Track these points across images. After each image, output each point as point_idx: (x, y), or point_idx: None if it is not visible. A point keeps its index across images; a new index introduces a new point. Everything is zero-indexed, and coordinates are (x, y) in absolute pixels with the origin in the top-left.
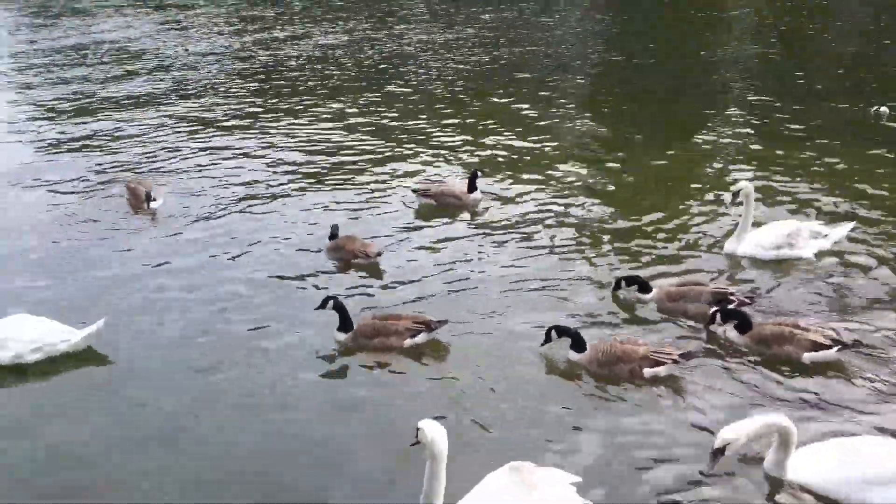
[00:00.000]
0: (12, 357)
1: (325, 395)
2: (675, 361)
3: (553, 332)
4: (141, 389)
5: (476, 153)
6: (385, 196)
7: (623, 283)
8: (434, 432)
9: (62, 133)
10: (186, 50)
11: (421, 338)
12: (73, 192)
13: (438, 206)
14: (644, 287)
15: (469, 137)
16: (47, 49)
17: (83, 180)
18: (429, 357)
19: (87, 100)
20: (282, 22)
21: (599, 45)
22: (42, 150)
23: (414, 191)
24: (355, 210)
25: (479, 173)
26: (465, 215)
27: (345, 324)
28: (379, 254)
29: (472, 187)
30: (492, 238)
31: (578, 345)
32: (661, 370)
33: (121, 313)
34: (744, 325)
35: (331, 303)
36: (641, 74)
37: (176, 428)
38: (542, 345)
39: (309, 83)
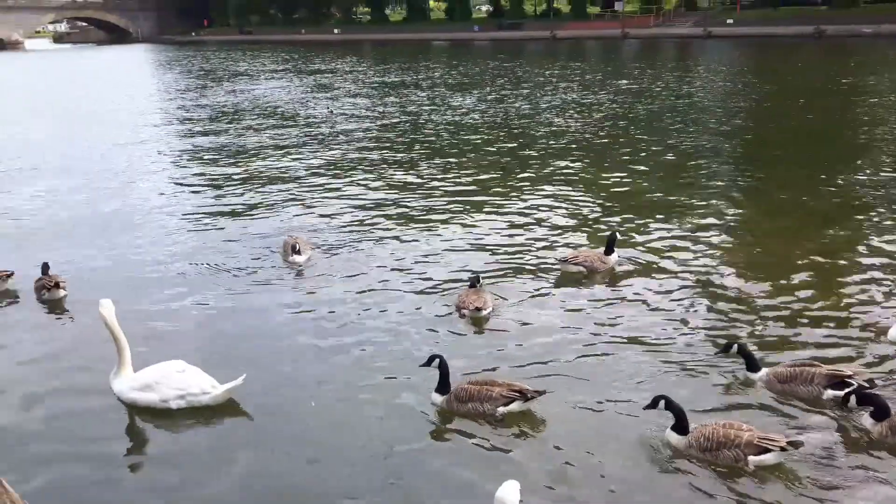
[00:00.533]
0: (159, 400)
1: (410, 462)
2: (782, 449)
3: (661, 402)
4: (277, 439)
5: (608, 216)
6: (519, 252)
7: (734, 349)
8: None
9: (217, 184)
10: (331, 111)
11: (515, 406)
12: (224, 241)
13: (579, 271)
14: (752, 365)
15: (599, 200)
16: (212, 105)
17: (234, 231)
18: (522, 427)
19: (241, 152)
20: (421, 87)
21: (749, 110)
22: (198, 197)
23: (561, 260)
24: (492, 270)
25: (618, 235)
26: (599, 278)
27: (443, 385)
28: (478, 309)
29: (609, 250)
30: (623, 304)
31: (681, 427)
32: (769, 458)
33: (262, 361)
34: (881, 411)
35: (436, 361)
36: (799, 140)
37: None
38: (645, 408)
39: (445, 143)
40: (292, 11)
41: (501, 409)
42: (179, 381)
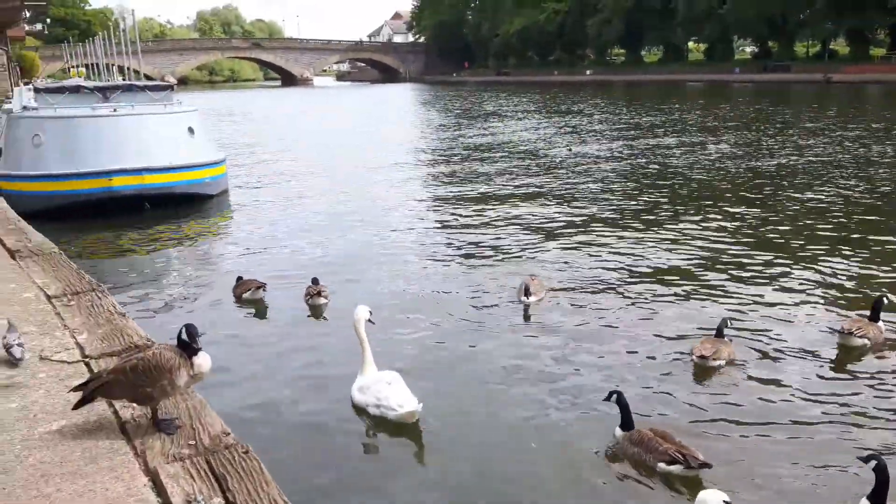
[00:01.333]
0: (365, 403)
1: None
2: (688, 466)
3: (613, 396)
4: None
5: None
6: (780, 309)
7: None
8: None
9: (462, 221)
10: (569, 149)
11: (676, 468)
12: (464, 275)
13: (863, 344)
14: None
15: (863, 263)
16: (466, 143)
17: (474, 266)
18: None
19: (489, 191)
20: (669, 130)
21: None
22: (445, 231)
23: (838, 331)
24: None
25: (885, 301)
26: (860, 348)
27: (626, 422)
28: (703, 357)
29: (875, 316)
30: (878, 380)
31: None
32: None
33: (469, 390)
34: None
35: (614, 396)
36: None
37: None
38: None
39: (695, 189)
40: (548, 54)
41: (661, 466)
42: (382, 390)
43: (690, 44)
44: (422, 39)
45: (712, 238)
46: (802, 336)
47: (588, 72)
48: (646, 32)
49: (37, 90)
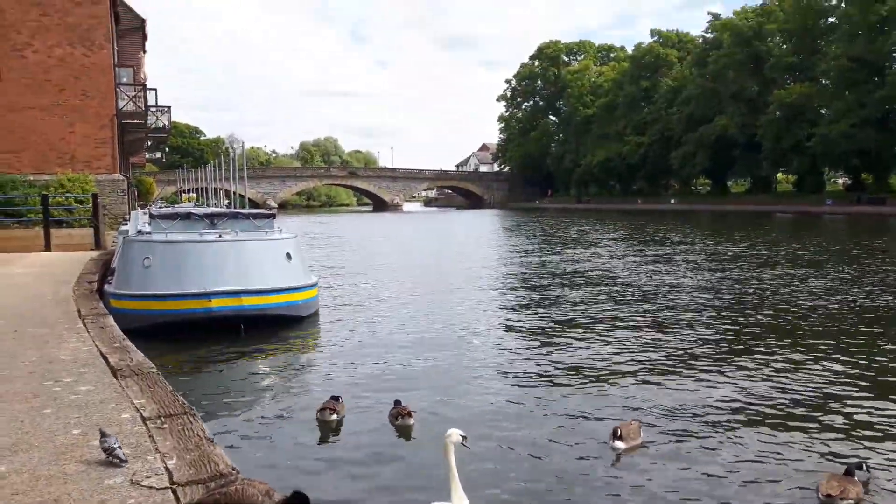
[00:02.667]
0: None
1: None
2: None
3: None
4: None
5: None
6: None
7: None
8: None
9: (545, 365)
10: (650, 277)
11: None
12: (545, 414)
13: None
14: None
15: None
16: (548, 269)
17: (554, 402)
18: None
19: (573, 316)
20: (767, 263)
21: None
22: (526, 364)
23: None
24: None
25: None
26: None
27: None
28: (829, 497)
29: None
30: None
31: None
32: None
33: None
34: None
35: None
36: None
37: None
38: None
39: (789, 321)
40: (630, 183)
41: None
42: None
43: (780, 175)
44: (506, 169)
45: (818, 376)
46: None
47: (672, 201)
48: (731, 164)
49: (152, 216)
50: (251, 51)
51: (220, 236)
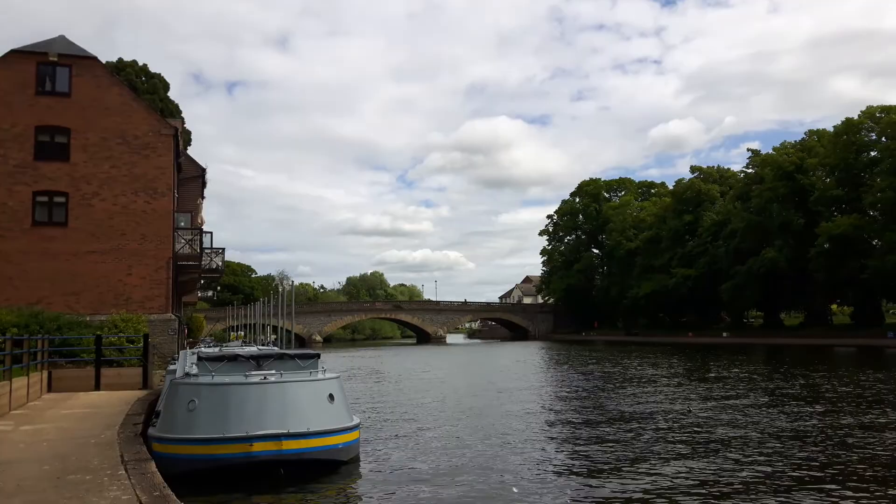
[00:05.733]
0: None
1: None
2: None
3: None
4: None
5: None
6: None
7: None
8: None
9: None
10: (690, 410)
11: None
12: None
13: None
14: None
15: None
16: (594, 406)
17: None
18: None
19: (625, 456)
20: (821, 399)
21: None
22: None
23: None
24: None
25: None
26: None
27: None
28: None
29: None
30: None
31: None
32: None
33: None
34: None
35: None
36: None
37: None
38: None
39: (854, 466)
40: (679, 315)
41: None
42: None
43: (834, 307)
44: (550, 300)
45: None
46: None
47: (724, 334)
48: (783, 296)
49: (199, 358)
50: (305, 196)
51: (264, 378)
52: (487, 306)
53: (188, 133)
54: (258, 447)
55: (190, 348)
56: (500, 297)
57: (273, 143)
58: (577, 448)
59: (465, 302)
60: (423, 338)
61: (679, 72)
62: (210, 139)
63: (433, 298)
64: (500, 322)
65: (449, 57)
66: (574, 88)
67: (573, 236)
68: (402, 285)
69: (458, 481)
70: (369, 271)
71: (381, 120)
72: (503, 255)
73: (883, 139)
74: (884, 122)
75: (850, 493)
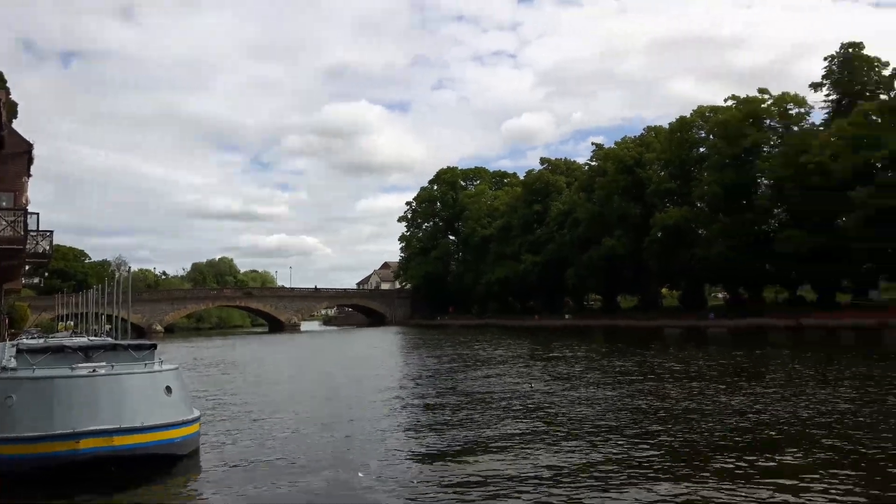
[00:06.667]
0: None
1: None
2: None
3: None
4: None
5: None
6: None
7: None
8: None
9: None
10: (531, 386)
11: None
12: None
13: None
14: None
15: None
16: (446, 387)
17: None
18: None
19: (464, 441)
20: (650, 375)
21: None
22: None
23: None
24: None
25: None
26: None
27: None
28: None
29: None
30: None
31: None
32: None
33: None
34: None
35: None
36: None
37: None
38: None
39: (684, 440)
40: (528, 299)
41: None
42: None
43: (664, 291)
44: (408, 286)
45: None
46: None
47: (567, 316)
48: (621, 282)
49: (19, 350)
50: (150, 176)
51: (94, 370)
52: (344, 293)
53: (14, 105)
54: (86, 444)
55: (10, 340)
56: (358, 284)
57: (116, 120)
58: (424, 430)
59: (316, 288)
60: (276, 326)
61: (533, 67)
62: (43, 114)
63: (288, 285)
64: (357, 308)
65: (309, 37)
66: (434, 77)
67: (431, 223)
68: (254, 271)
69: (302, 470)
70: (218, 257)
71: (236, 99)
72: (362, 241)
73: (711, 137)
74: (712, 121)
75: (679, 463)
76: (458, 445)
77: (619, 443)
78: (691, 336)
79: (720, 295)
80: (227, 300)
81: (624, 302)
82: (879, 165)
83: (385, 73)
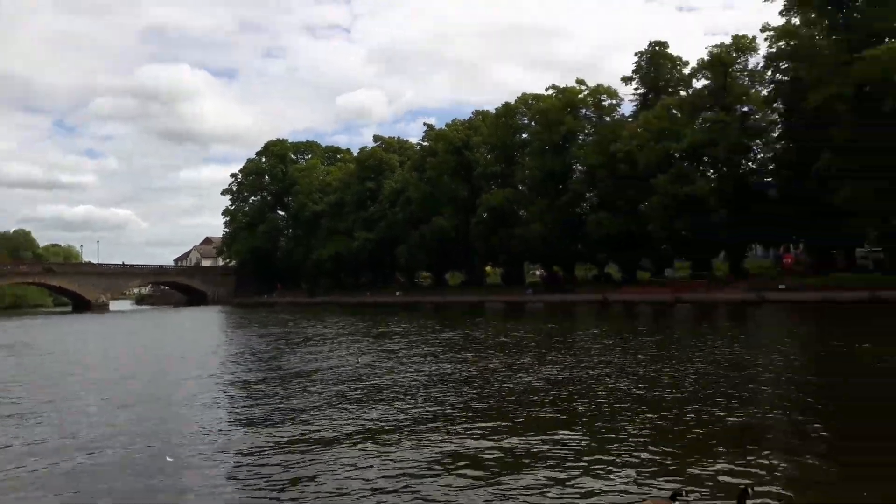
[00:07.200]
0: None
1: None
2: None
3: None
4: None
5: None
6: None
7: None
8: None
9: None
10: (358, 361)
11: None
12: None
13: None
14: None
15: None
16: (269, 368)
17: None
18: None
19: (276, 412)
20: (469, 346)
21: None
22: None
23: None
24: None
25: (750, 492)
26: None
27: None
28: None
29: None
30: None
31: None
32: None
33: None
34: None
35: None
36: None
37: None
38: None
39: (491, 400)
40: (359, 276)
41: None
42: None
43: (488, 269)
44: (232, 263)
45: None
46: None
47: (397, 293)
48: (449, 259)
49: None
50: None
51: None
52: (160, 269)
53: None
54: None
55: None
56: (176, 260)
57: None
58: (243, 409)
59: (125, 264)
60: (82, 305)
61: (367, 43)
62: None
63: (95, 261)
64: (174, 286)
65: None
66: (264, 45)
67: (258, 197)
68: (57, 245)
69: (105, 456)
70: (12, 229)
71: (38, 55)
72: (181, 214)
73: (532, 123)
74: (534, 108)
75: (494, 423)
76: (271, 419)
77: (428, 404)
78: (512, 310)
79: (538, 273)
80: (25, 277)
81: (452, 279)
82: (678, 156)
83: (211, 37)
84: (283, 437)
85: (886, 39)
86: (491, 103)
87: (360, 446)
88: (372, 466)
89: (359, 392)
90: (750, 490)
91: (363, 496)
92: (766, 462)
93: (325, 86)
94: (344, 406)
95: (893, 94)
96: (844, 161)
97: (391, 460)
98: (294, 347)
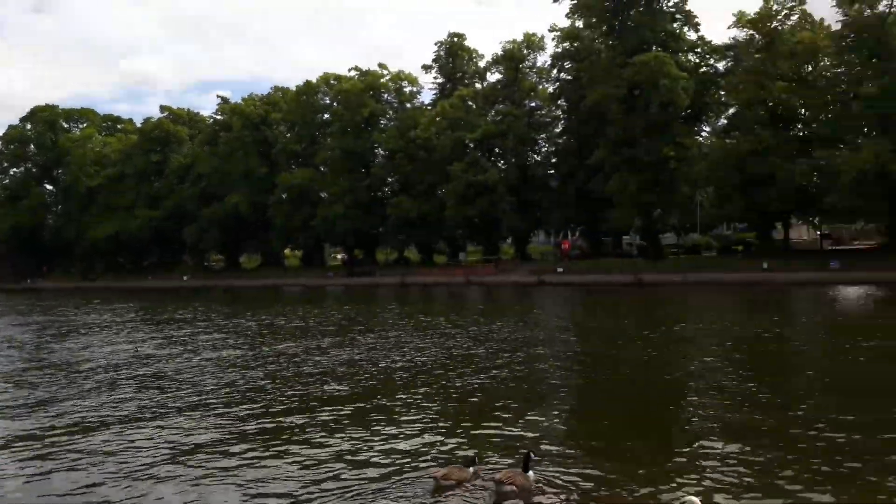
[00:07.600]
0: None
1: None
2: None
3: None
4: None
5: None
6: None
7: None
8: None
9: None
10: (137, 350)
11: None
12: None
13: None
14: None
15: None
16: (48, 363)
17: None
18: None
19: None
20: (266, 333)
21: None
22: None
23: (496, 481)
24: None
25: (533, 455)
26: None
27: None
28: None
29: (526, 467)
30: None
31: None
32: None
33: None
34: None
35: None
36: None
37: None
38: None
39: (308, 394)
40: (142, 259)
41: None
42: None
43: (287, 252)
44: None
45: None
46: None
47: (185, 277)
48: (244, 240)
49: None
50: None
51: None
52: None
53: None
54: None
55: None
56: None
57: None
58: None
59: None
60: None
61: (156, 5)
62: None
63: None
64: None
65: None
66: None
67: (22, 168)
68: None
69: None
70: None
71: None
72: None
73: (335, 104)
74: (336, 88)
75: (288, 396)
76: (31, 416)
77: (206, 388)
78: (311, 294)
79: (339, 256)
80: None
81: (248, 262)
82: (472, 145)
83: None
84: (32, 427)
85: (654, 48)
86: (290, 80)
87: (126, 433)
88: (128, 452)
89: (133, 381)
90: (532, 454)
91: (114, 485)
92: (544, 423)
93: (106, 49)
94: (111, 394)
95: (658, 97)
96: (614, 156)
97: (153, 446)
98: (62, 337)
